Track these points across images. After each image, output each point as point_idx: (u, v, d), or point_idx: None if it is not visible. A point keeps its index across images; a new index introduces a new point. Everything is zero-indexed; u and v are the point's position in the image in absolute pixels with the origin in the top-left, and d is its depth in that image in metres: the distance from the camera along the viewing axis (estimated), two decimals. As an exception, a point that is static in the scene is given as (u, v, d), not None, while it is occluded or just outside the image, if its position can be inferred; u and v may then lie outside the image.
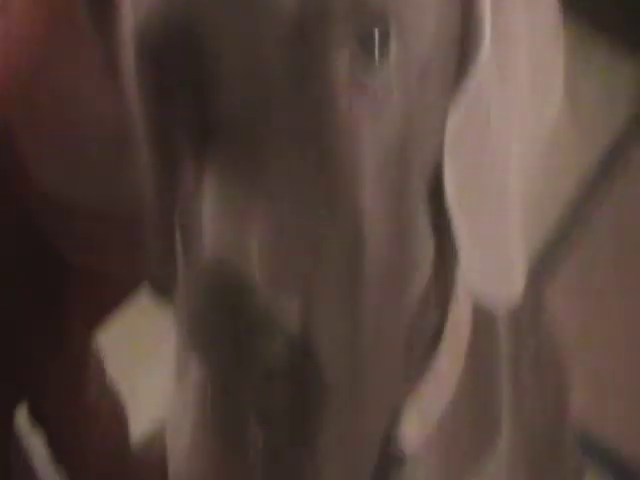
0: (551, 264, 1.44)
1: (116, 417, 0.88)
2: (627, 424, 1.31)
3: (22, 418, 0.85)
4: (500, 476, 0.67)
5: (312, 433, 0.41)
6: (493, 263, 0.52)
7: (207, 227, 0.42)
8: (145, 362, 1.24)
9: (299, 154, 0.42)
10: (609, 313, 1.41)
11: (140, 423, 1.07)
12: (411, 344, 0.53)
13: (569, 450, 0.99)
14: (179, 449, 0.43)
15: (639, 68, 1.63)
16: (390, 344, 0.48)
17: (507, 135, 0.51)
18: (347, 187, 0.43)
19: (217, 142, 0.42)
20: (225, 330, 0.40)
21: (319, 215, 0.42)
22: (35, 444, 0.88)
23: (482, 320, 0.62)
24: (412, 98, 0.45)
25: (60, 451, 0.86)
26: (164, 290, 0.54)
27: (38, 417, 0.84)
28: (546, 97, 0.54)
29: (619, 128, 1.60)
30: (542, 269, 1.41)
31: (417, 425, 0.58)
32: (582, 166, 1.54)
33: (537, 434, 0.79)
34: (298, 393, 0.41)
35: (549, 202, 1.47)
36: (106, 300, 0.85)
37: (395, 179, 0.46)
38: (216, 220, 0.41)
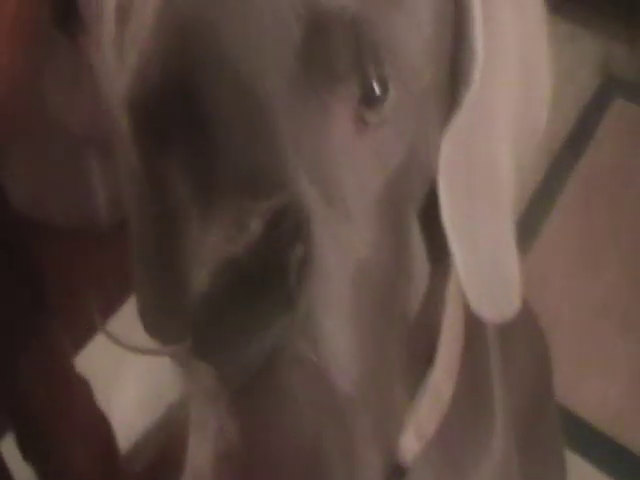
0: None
1: (103, 435, 0.87)
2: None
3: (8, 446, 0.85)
4: (496, 470, 0.68)
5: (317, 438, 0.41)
6: (490, 278, 0.52)
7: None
8: (126, 374, 1.23)
9: (304, 192, 0.42)
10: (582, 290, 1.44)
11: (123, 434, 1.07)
12: (407, 359, 0.53)
13: (552, 427, 1.02)
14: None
15: (602, 39, 1.67)
16: (386, 361, 0.48)
17: (500, 148, 0.52)
18: (346, 215, 0.44)
19: (219, 181, 0.43)
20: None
21: (322, 243, 0.43)
22: (22, 470, 0.87)
23: (472, 324, 0.62)
24: (410, 128, 0.46)
25: (48, 474, 0.86)
26: (159, 326, 0.55)
27: (25, 443, 0.83)
28: (536, 101, 0.55)
29: (585, 99, 1.63)
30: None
31: (415, 437, 0.59)
32: (551, 138, 1.57)
33: (525, 423, 0.81)
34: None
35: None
36: (89, 317, 0.85)
37: (393, 203, 0.46)
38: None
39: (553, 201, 1.53)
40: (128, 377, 1.23)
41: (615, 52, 1.69)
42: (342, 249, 0.43)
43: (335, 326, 0.42)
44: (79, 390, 0.82)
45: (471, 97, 0.49)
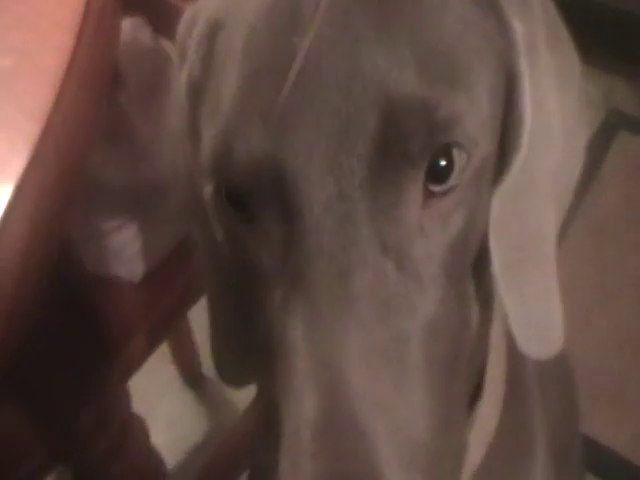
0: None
1: (157, 474, 0.89)
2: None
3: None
4: None
5: None
6: (536, 319, 0.56)
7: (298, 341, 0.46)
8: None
9: (380, 264, 0.46)
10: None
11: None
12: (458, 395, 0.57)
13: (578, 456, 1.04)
14: None
15: (603, 74, 1.71)
16: (444, 399, 0.50)
17: (543, 204, 0.55)
18: (417, 279, 0.48)
19: (300, 263, 0.46)
20: None
21: (401, 310, 0.47)
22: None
23: (514, 359, 0.66)
24: (471, 195, 0.50)
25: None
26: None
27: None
28: (574, 157, 0.59)
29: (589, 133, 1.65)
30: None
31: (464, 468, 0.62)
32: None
33: (559, 452, 0.84)
34: None
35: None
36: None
37: (456, 261, 0.50)
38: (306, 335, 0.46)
39: (562, 236, 1.54)
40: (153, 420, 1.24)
41: (617, 87, 1.71)
42: (414, 311, 0.47)
43: (408, 388, 0.46)
44: (135, 432, 0.84)
45: (519, 160, 0.52)
